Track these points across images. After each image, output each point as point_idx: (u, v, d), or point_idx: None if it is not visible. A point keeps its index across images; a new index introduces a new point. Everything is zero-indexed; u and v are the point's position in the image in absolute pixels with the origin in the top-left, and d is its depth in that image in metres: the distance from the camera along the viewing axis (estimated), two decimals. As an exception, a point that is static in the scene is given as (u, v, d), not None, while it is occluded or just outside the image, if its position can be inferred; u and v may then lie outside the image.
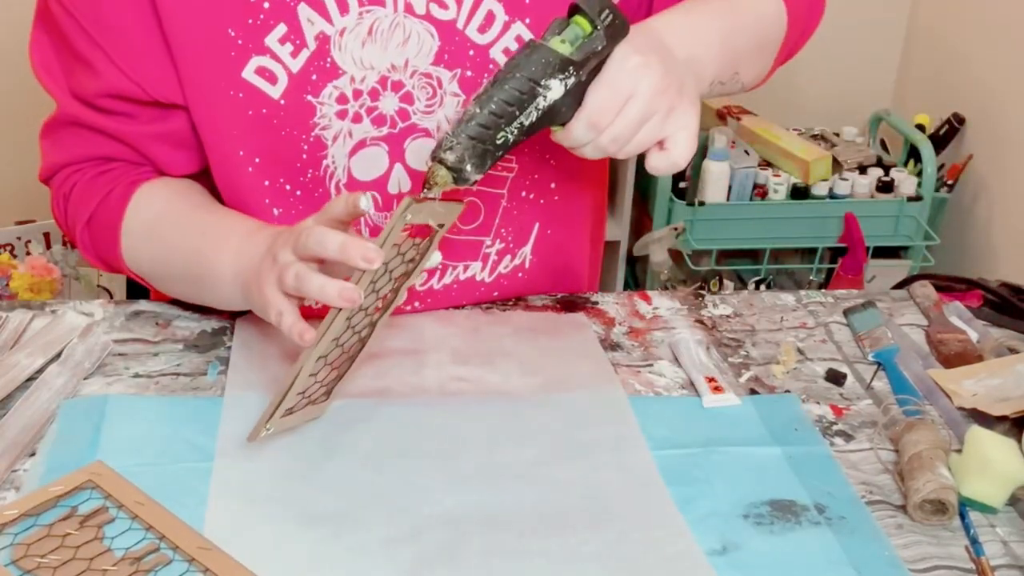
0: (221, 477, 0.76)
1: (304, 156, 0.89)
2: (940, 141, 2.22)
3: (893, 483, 0.80)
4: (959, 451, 0.80)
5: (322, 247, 0.72)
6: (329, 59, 0.85)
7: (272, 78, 0.85)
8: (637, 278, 2.38)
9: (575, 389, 0.88)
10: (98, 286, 2.16)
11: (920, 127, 2.25)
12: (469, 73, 0.89)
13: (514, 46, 0.89)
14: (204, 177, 0.93)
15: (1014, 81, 2.08)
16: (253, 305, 0.80)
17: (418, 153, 0.91)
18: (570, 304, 1.02)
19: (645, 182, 2.22)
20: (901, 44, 2.48)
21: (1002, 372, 0.91)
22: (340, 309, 0.72)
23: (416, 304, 0.98)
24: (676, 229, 2.10)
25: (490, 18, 0.88)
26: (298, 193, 0.91)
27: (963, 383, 0.91)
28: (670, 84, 0.77)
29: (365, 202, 0.72)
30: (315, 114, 0.87)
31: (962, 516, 0.77)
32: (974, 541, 0.74)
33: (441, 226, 0.78)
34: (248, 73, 0.85)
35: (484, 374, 0.90)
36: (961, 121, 2.22)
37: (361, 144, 0.89)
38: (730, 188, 2.13)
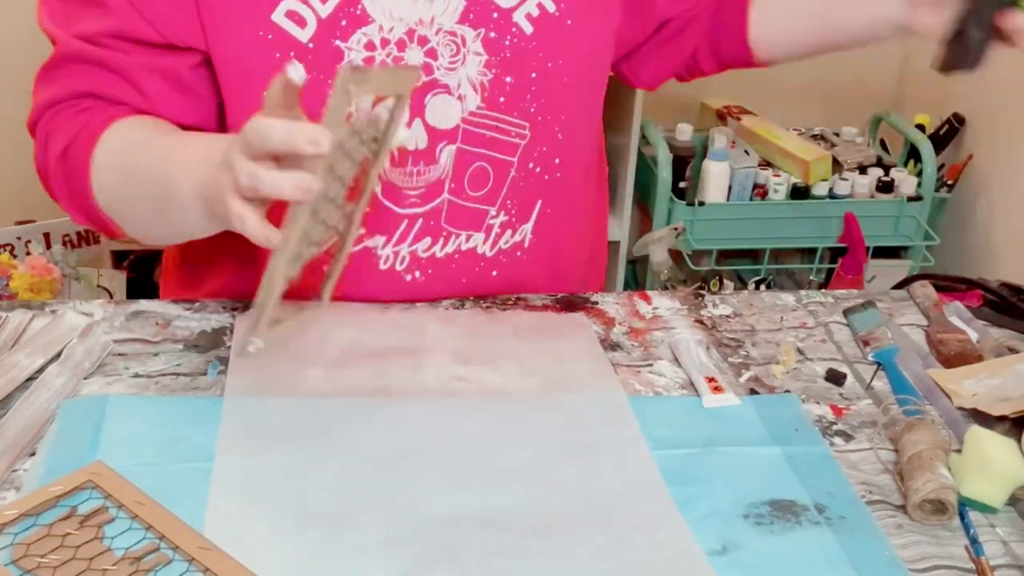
0: (221, 477, 0.76)
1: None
2: (940, 141, 2.22)
3: (893, 483, 0.80)
4: (959, 451, 0.80)
5: (266, 139, 0.68)
6: (360, 6, 0.88)
7: (301, 22, 0.88)
8: (637, 278, 2.38)
9: (575, 389, 0.89)
10: (98, 286, 2.16)
11: (920, 127, 2.25)
12: (492, 34, 0.92)
13: (536, 12, 0.92)
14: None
15: (1014, 81, 2.08)
16: (218, 220, 0.76)
17: (437, 109, 0.93)
18: (570, 304, 1.02)
19: (645, 182, 2.22)
20: (901, 44, 2.48)
21: (1002, 372, 0.91)
22: (301, 203, 0.68)
23: (416, 274, 0.99)
24: (676, 229, 2.10)
25: None
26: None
27: (963, 383, 0.91)
28: None
29: (295, 72, 0.69)
30: (342, 59, 0.89)
31: (962, 516, 0.77)
32: (974, 541, 0.74)
33: (400, 97, 0.74)
34: (278, 16, 0.87)
35: (484, 374, 0.90)
36: (961, 121, 2.22)
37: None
38: (730, 188, 2.13)
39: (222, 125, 0.94)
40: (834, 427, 0.86)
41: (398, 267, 0.98)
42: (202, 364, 0.90)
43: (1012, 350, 0.96)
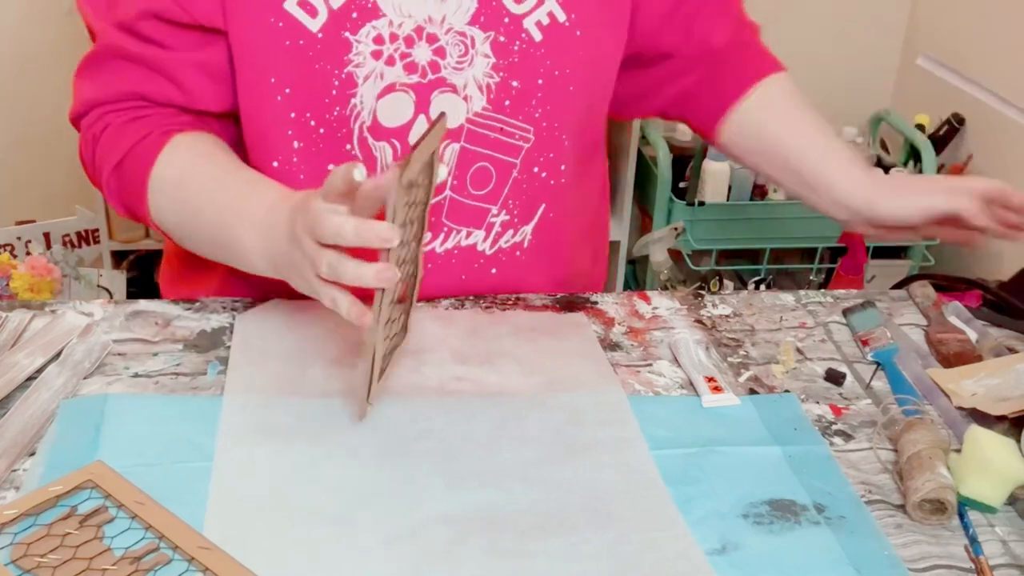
0: (221, 477, 0.76)
1: (334, 92, 0.91)
2: (940, 141, 2.22)
3: (892, 483, 0.80)
4: (958, 451, 0.80)
5: (340, 238, 0.74)
6: (371, 0, 0.89)
7: (312, 11, 0.89)
8: (637, 278, 2.38)
9: (575, 389, 0.89)
10: (98, 286, 2.16)
11: (920, 127, 2.25)
12: (502, 38, 0.92)
13: (546, 20, 0.94)
14: (235, 125, 0.95)
15: (1014, 81, 2.08)
16: (295, 285, 0.82)
17: (442, 107, 0.94)
18: (570, 304, 1.02)
19: (645, 182, 2.22)
20: (901, 44, 2.48)
21: (1001, 372, 0.91)
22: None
23: None
24: (676, 229, 2.10)
25: None
26: (321, 131, 0.93)
27: (962, 383, 0.91)
28: None
29: (359, 173, 0.74)
30: (350, 50, 0.90)
31: (961, 516, 0.77)
32: (973, 540, 0.74)
33: (434, 152, 0.79)
34: (290, 4, 0.89)
35: (484, 374, 0.90)
36: (961, 121, 2.22)
37: (390, 88, 0.92)
38: (730, 188, 2.13)
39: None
40: (833, 427, 0.87)
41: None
42: (202, 364, 0.90)
43: (1011, 350, 0.96)
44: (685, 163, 2.20)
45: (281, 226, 0.81)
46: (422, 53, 0.92)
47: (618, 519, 0.74)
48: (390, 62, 0.91)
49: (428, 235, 0.84)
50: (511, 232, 1.01)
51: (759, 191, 2.15)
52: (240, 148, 0.96)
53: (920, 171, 2.15)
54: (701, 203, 2.11)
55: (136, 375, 0.88)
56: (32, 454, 0.78)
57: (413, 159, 0.74)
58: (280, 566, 0.69)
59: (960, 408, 0.89)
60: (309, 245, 0.76)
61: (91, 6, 0.93)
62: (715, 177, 2.10)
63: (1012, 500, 0.78)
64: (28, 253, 2.13)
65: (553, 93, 0.96)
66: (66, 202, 2.25)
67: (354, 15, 0.89)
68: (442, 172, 0.83)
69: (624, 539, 0.73)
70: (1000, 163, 2.14)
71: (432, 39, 0.91)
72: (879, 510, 0.77)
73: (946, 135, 2.23)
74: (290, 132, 0.92)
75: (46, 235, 2.19)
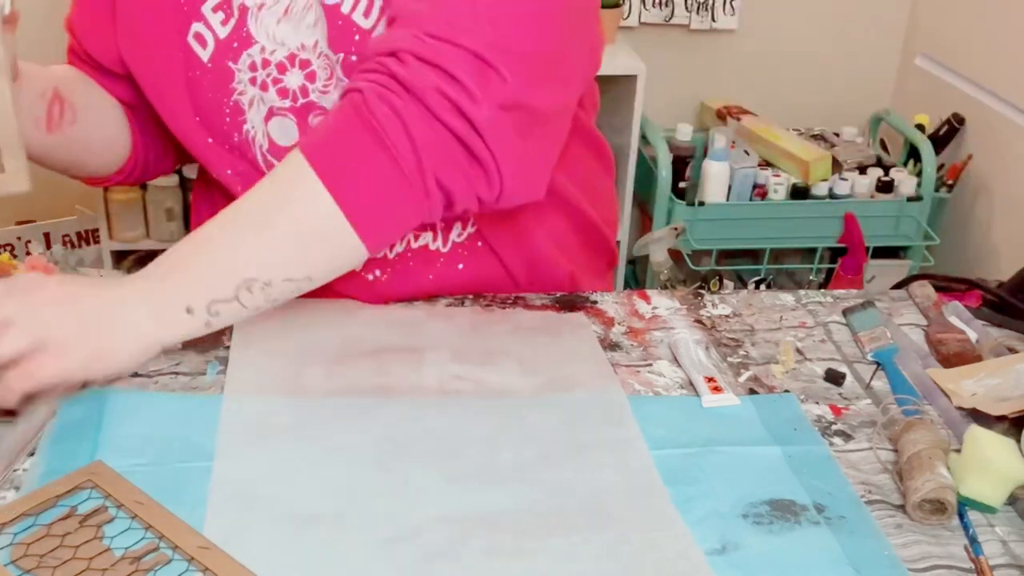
0: (221, 477, 0.76)
1: (227, 119, 0.95)
2: (940, 141, 2.22)
3: (892, 483, 0.80)
4: (958, 451, 0.80)
5: None
6: (246, 29, 0.92)
7: (203, 42, 0.93)
8: (637, 278, 2.38)
9: (575, 388, 0.89)
10: (98, 286, 2.16)
11: (920, 127, 2.26)
12: (353, 58, 0.91)
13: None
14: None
15: (1014, 81, 2.08)
16: None
17: None
18: (569, 304, 1.02)
19: (645, 182, 2.22)
20: (901, 44, 2.48)
21: (1001, 372, 0.91)
22: None
23: (377, 273, 0.99)
24: (676, 229, 2.10)
25: (371, 1, 0.89)
26: (236, 152, 0.97)
27: (962, 383, 0.91)
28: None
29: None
30: (233, 79, 0.93)
31: (961, 516, 0.77)
32: (973, 541, 0.74)
33: None
34: (189, 37, 0.93)
35: (483, 373, 0.90)
36: (961, 121, 2.22)
37: (271, 112, 0.94)
38: (730, 188, 2.13)
39: None
40: (833, 427, 0.87)
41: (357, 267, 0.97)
42: (202, 364, 0.90)
43: (1011, 350, 0.96)
44: (685, 163, 2.20)
45: None
46: (294, 78, 0.92)
47: (618, 519, 0.74)
48: (264, 87, 0.93)
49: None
50: (459, 225, 0.99)
51: (759, 191, 2.15)
52: None
53: (920, 171, 2.15)
54: (701, 203, 2.11)
55: (136, 374, 0.88)
56: (32, 454, 0.78)
57: None
58: (280, 566, 0.68)
59: (960, 408, 0.89)
60: None
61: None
62: (715, 177, 2.11)
63: (1012, 500, 0.78)
64: (28, 253, 2.13)
65: None
66: (66, 202, 2.25)
67: (235, 44, 0.92)
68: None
69: (624, 539, 0.73)
70: (1000, 163, 2.14)
71: (305, 64, 0.92)
72: (879, 510, 0.77)
73: (946, 135, 2.23)
74: (215, 157, 0.97)
75: (46, 235, 2.19)
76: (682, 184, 2.19)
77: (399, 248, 0.98)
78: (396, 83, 0.80)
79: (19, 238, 2.17)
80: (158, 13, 0.92)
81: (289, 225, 0.82)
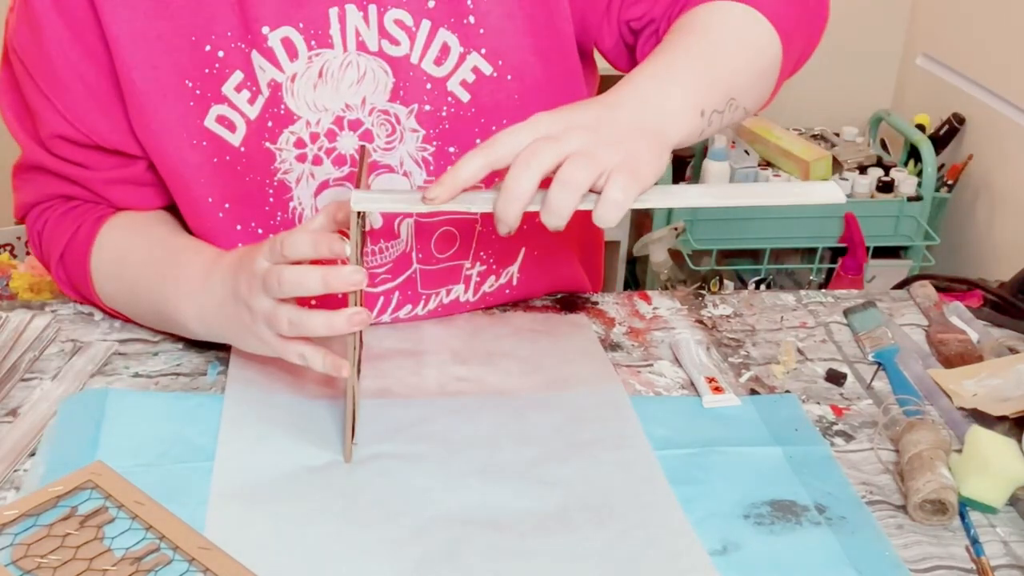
0: (221, 477, 0.76)
1: (271, 200, 0.88)
2: (940, 141, 2.22)
3: (893, 483, 0.80)
4: (959, 451, 0.80)
5: (303, 290, 0.73)
6: (283, 105, 0.85)
7: (231, 126, 0.85)
8: (637, 278, 2.38)
9: (576, 389, 0.88)
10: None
11: (920, 127, 2.26)
12: (427, 108, 0.87)
13: (471, 78, 0.87)
14: (174, 211, 0.93)
15: (1014, 81, 2.08)
16: (246, 348, 0.81)
17: (386, 187, 0.89)
18: (570, 304, 1.02)
19: (645, 182, 2.22)
20: (901, 44, 2.48)
21: (1002, 372, 0.91)
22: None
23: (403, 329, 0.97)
24: (676, 229, 2.10)
25: (445, 50, 0.86)
26: (272, 236, 0.90)
27: (963, 383, 0.91)
28: (573, 126, 0.71)
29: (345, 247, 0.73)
30: (275, 159, 0.86)
31: (962, 516, 0.77)
32: (974, 541, 0.74)
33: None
34: (209, 122, 0.84)
35: (484, 374, 0.90)
36: (961, 121, 2.22)
37: (324, 185, 0.89)
38: (730, 188, 2.13)
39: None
40: (834, 427, 0.86)
41: None
42: (202, 364, 0.90)
43: (1012, 350, 0.96)
44: (685, 163, 2.20)
45: (218, 292, 0.80)
46: (347, 142, 0.87)
47: (620, 519, 0.74)
48: (317, 161, 0.87)
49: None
50: (493, 278, 0.98)
51: (759, 191, 2.15)
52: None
53: (920, 171, 2.15)
54: (701, 203, 2.11)
55: (136, 375, 0.88)
56: (32, 454, 0.78)
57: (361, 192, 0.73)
58: (280, 566, 0.68)
59: (961, 408, 0.89)
60: (262, 304, 0.75)
61: (15, 117, 0.90)
62: (715, 177, 2.10)
63: (1013, 500, 0.78)
64: (28, 253, 2.13)
65: None
66: (66, 202, 2.25)
67: (270, 123, 0.85)
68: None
69: (626, 539, 0.73)
70: (1000, 163, 2.14)
71: (356, 124, 0.87)
72: (880, 511, 0.77)
73: (946, 135, 2.23)
74: (240, 244, 0.89)
75: (46, 235, 2.19)
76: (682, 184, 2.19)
77: (431, 306, 0.97)
78: None
79: (19, 238, 2.17)
80: (171, 100, 0.83)
81: (752, 61, 0.87)
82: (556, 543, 0.72)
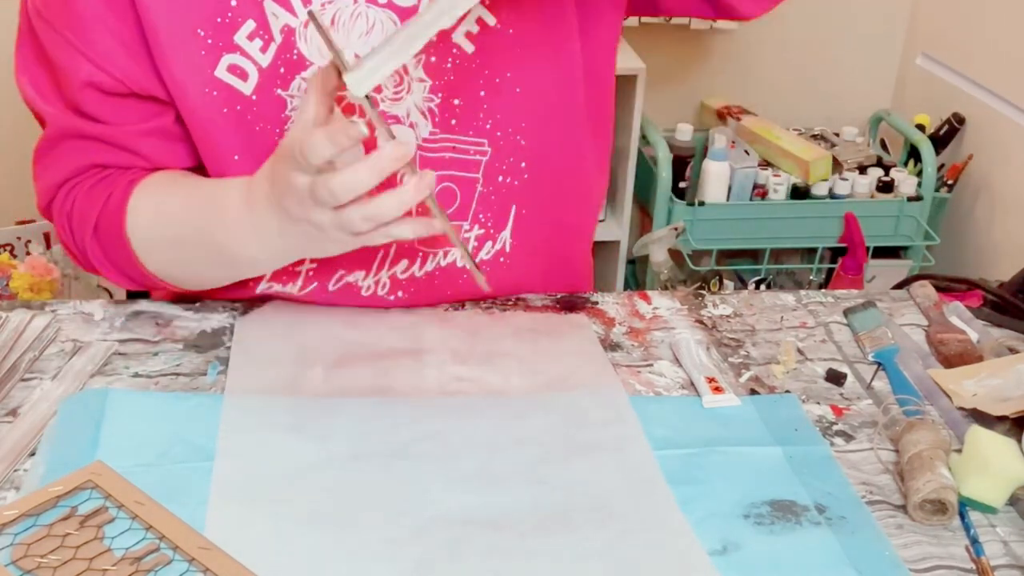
0: (221, 477, 0.76)
1: None
2: (940, 141, 2.22)
3: (893, 483, 0.80)
4: (959, 451, 0.80)
5: (360, 189, 0.72)
6: (296, 51, 0.86)
7: (243, 75, 0.86)
8: (637, 278, 2.38)
9: (575, 389, 0.88)
10: (98, 286, 2.16)
11: (920, 127, 2.26)
12: (432, 59, 0.89)
13: (475, 29, 0.89)
14: (201, 172, 0.93)
15: (1014, 81, 2.08)
16: (327, 254, 0.83)
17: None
18: (570, 304, 1.02)
19: (645, 182, 2.22)
20: (901, 44, 2.48)
21: (1002, 372, 0.91)
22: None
23: (400, 294, 0.98)
24: (676, 229, 2.10)
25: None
26: (283, 143, 0.90)
27: (963, 383, 0.91)
28: None
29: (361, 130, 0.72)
30: (286, 107, 0.88)
31: (962, 516, 0.77)
32: (974, 541, 0.74)
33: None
34: (220, 71, 0.85)
35: (484, 374, 0.90)
36: (961, 121, 2.22)
37: None
38: (730, 188, 2.13)
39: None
40: (834, 427, 0.86)
41: (380, 292, 0.97)
42: (202, 364, 0.90)
43: (1012, 350, 0.96)
44: (685, 163, 2.20)
45: (271, 220, 0.80)
46: None
47: (620, 519, 0.74)
48: None
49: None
50: (490, 243, 0.98)
51: (759, 191, 2.15)
52: None
53: (920, 171, 2.15)
54: (701, 203, 2.11)
55: (136, 375, 0.88)
56: (32, 454, 0.78)
57: (360, 66, 0.71)
58: (280, 567, 0.68)
59: (961, 408, 0.89)
60: (324, 216, 0.75)
61: (37, 92, 0.90)
62: (715, 177, 2.10)
63: (1013, 500, 0.78)
64: (28, 253, 2.13)
65: (499, 101, 0.92)
66: (66, 202, 2.25)
67: (282, 70, 0.86)
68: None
69: (626, 539, 0.73)
70: (1000, 163, 2.14)
71: None
72: (880, 511, 0.77)
73: (946, 135, 2.23)
74: None
75: (46, 235, 2.19)
76: (682, 184, 2.19)
77: (428, 267, 0.97)
78: None
79: (19, 238, 2.17)
80: (183, 51, 0.84)
81: None
82: (556, 543, 0.72)
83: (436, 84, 0.89)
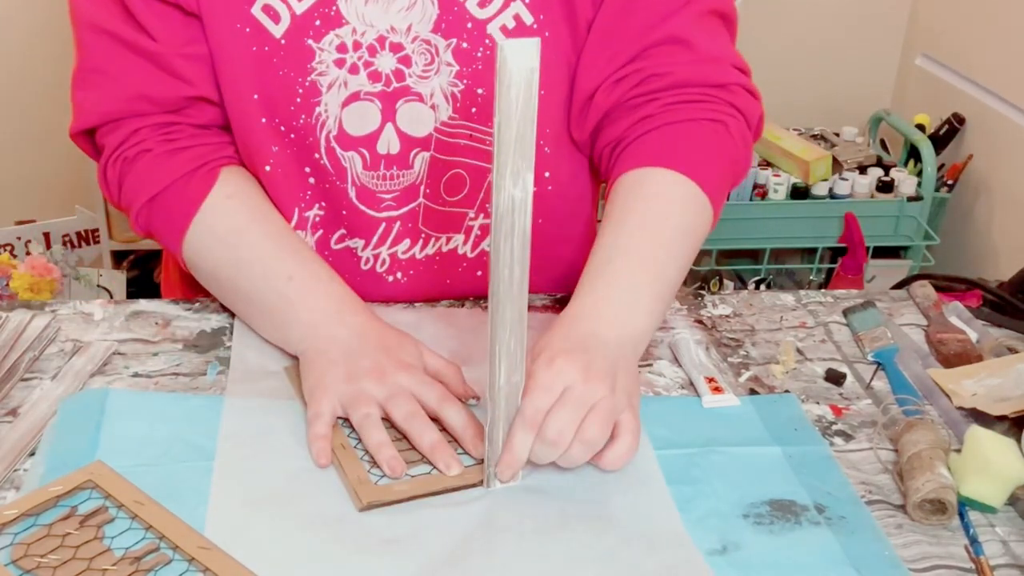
0: (221, 477, 0.76)
1: (298, 100, 0.91)
2: (940, 141, 2.22)
3: (892, 483, 0.80)
4: (959, 451, 0.80)
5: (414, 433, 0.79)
6: (335, 7, 0.88)
7: (276, 16, 0.88)
8: (637, 278, 2.37)
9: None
10: (98, 286, 2.16)
11: (920, 127, 2.26)
12: (465, 45, 0.90)
13: (511, 24, 0.90)
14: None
15: (1014, 81, 2.08)
16: (341, 392, 0.83)
17: (409, 116, 0.92)
18: (570, 304, 1.02)
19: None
20: (901, 44, 2.48)
21: (1002, 372, 0.91)
22: None
23: (399, 275, 0.99)
24: (676, 229, 2.09)
25: None
26: (292, 136, 0.93)
27: (963, 383, 0.91)
28: (600, 371, 0.77)
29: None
30: (313, 58, 0.89)
31: (961, 516, 0.77)
32: (974, 541, 0.74)
33: None
34: (256, 9, 0.88)
35: (484, 374, 0.90)
36: (961, 121, 2.22)
37: (355, 96, 0.91)
38: (730, 188, 2.13)
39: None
40: (834, 427, 0.87)
41: (379, 269, 0.98)
42: (202, 364, 0.90)
43: (1012, 350, 0.96)
44: (685, 163, 2.20)
45: (356, 347, 0.84)
46: (386, 62, 0.90)
47: (619, 520, 0.74)
48: (353, 70, 0.90)
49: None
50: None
51: (759, 191, 2.15)
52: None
53: (920, 171, 2.15)
54: (701, 203, 2.11)
55: (136, 375, 0.88)
56: (32, 454, 0.78)
57: None
58: (280, 567, 0.68)
59: (960, 408, 0.89)
60: (380, 390, 0.80)
61: (91, 5, 0.91)
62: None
63: (1012, 500, 0.78)
64: (28, 253, 2.13)
65: None
66: (66, 202, 2.25)
67: (317, 22, 0.89)
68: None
69: (624, 539, 0.72)
70: (1000, 163, 2.14)
71: (397, 48, 0.90)
72: (879, 510, 0.77)
73: (946, 135, 2.23)
74: (264, 139, 0.92)
75: (46, 235, 2.19)
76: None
77: (429, 251, 0.98)
78: (741, 115, 0.98)
79: (19, 238, 2.17)
80: None
81: (694, 249, 0.92)
82: (555, 545, 0.72)
83: (463, 71, 0.91)
